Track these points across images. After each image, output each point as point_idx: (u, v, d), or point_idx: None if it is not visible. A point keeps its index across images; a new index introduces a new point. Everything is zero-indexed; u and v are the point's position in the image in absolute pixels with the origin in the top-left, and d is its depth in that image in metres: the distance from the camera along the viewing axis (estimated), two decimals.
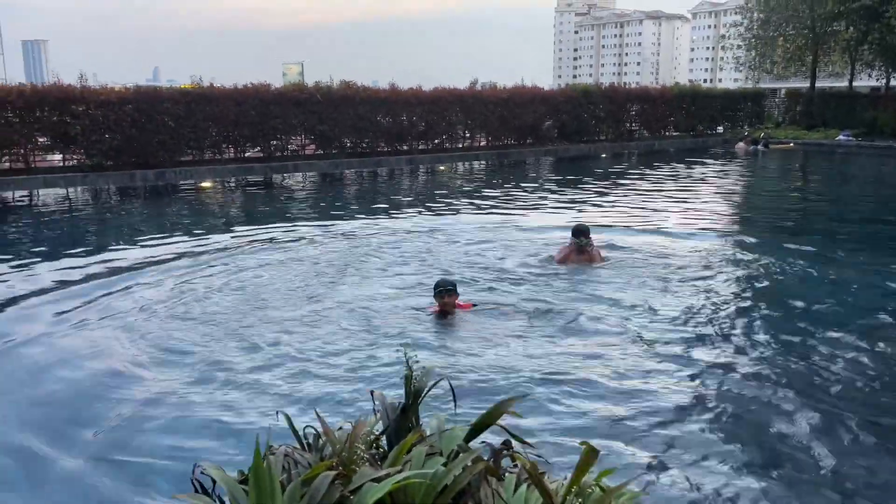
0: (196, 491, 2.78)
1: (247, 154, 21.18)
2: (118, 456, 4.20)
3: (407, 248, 10.02)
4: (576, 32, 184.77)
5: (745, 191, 18.41)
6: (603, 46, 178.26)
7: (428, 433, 3.03)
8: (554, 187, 17.64)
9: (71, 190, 17.19)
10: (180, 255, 9.60)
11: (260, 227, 11.87)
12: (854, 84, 34.76)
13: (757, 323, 6.65)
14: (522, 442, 3.14)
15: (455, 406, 3.25)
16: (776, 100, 36.85)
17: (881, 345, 5.85)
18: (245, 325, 6.59)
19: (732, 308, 7.10)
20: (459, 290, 6.88)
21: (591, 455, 2.63)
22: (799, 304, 7.16)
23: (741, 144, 29.26)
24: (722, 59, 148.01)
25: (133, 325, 6.58)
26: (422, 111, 23.61)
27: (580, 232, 8.47)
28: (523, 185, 18.34)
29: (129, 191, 17.38)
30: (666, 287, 7.77)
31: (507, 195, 15.96)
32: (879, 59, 32.15)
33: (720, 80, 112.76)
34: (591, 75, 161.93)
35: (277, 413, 3.40)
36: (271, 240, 10.65)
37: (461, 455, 2.83)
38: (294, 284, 8.06)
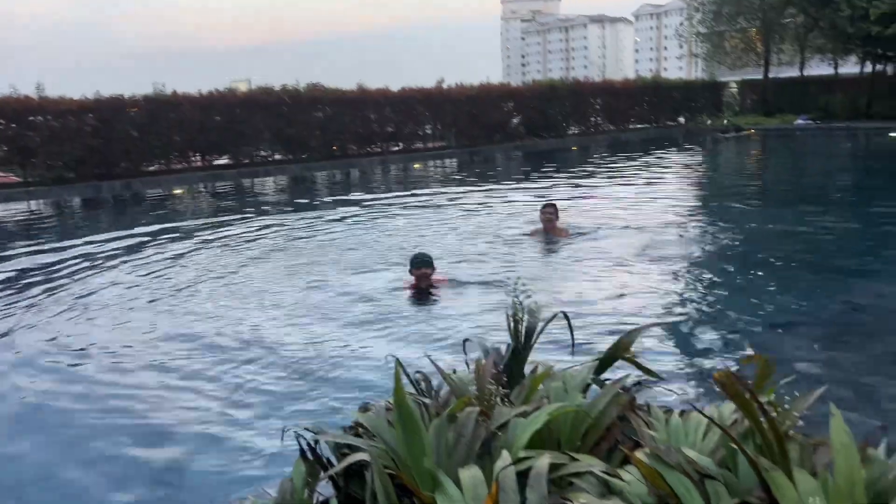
0: (303, 453, 2.43)
1: (215, 161, 20.56)
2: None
3: (380, 236, 9.88)
4: (522, 38, 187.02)
5: (725, 173, 18.69)
6: (550, 51, 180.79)
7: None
8: (523, 180, 17.58)
9: (33, 203, 16.36)
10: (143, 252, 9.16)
11: (231, 227, 11.42)
12: (805, 72, 35.70)
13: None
14: (653, 375, 2.88)
15: (573, 344, 2.95)
16: (732, 90, 37.62)
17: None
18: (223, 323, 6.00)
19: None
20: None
21: (767, 367, 2.38)
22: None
23: (719, 134, 29.85)
24: (665, 58, 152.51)
25: (117, 322, 6.10)
26: (391, 111, 23.31)
27: (548, 206, 8.97)
28: (494, 178, 18.20)
29: (95, 202, 16.64)
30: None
31: (478, 188, 15.82)
32: (830, 45, 33.03)
33: (664, 78, 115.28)
34: (539, 80, 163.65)
35: (386, 357, 3.06)
36: (244, 238, 10.25)
37: (606, 387, 2.55)
38: (269, 279, 7.60)
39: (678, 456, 1.99)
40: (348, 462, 1.99)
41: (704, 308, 5.62)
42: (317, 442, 2.41)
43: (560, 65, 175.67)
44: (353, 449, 2.24)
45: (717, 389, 2.05)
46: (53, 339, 5.69)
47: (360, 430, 2.44)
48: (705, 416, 2.20)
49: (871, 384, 3.81)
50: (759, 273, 6.82)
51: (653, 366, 2.88)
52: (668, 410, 2.51)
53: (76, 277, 8.03)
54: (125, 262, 8.83)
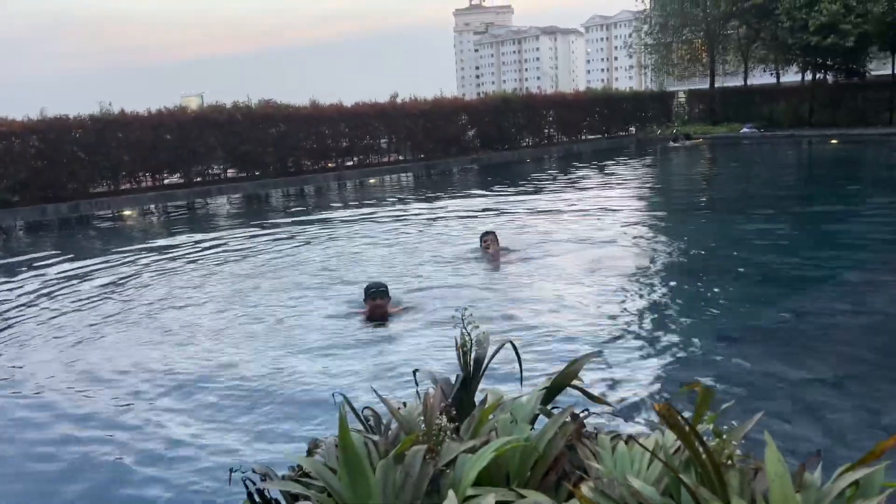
0: (250, 495, 2.42)
1: (166, 181, 20.18)
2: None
3: (333, 256, 9.81)
4: (476, 50, 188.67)
5: (674, 183, 19.07)
6: (503, 63, 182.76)
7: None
8: (478, 192, 17.68)
9: None
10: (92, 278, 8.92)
11: (179, 248, 11.23)
12: (749, 82, 36.77)
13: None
14: (600, 401, 2.91)
15: (521, 374, 2.97)
16: (681, 99, 38.52)
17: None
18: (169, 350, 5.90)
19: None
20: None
21: (707, 395, 2.43)
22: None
23: (670, 143, 30.49)
24: (616, 68, 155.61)
25: (71, 347, 5.92)
26: (345, 126, 23.23)
27: (488, 234, 9.17)
28: (449, 192, 18.27)
29: (41, 226, 16.17)
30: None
31: (433, 203, 15.85)
32: (772, 55, 34.08)
33: (615, 89, 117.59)
34: (493, 91, 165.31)
35: (333, 394, 3.03)
36: (195, 259, 10.10)
37: (553, 417, 2.57)
38: (216, 302, 7.52)
39: (621, 489, 2.02)
40: None
41: (651, 326, 5.70)
42: (264, 479, 2.40)
43: (514, 76, 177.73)
44: (304, 495, 2.23)
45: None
46: None
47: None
48: (646, 448, 2.24)
49: (813, 397, 3.92)
50: (706, 285, 6.97)
51: (599, 390, 2.92)
52: (616, 437, 2.55)
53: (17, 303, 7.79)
54: (62, 287, 8.61)
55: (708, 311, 5.94)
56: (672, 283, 7.34)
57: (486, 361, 2.91)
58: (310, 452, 2.70)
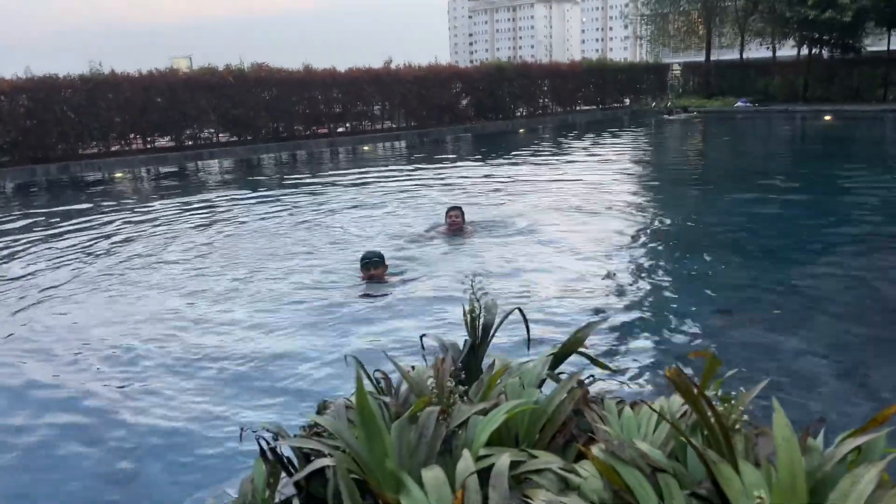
0: (263, 453, 2.46)
1: (157, 144, 19.99)
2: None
3: (329, 223, 9.78)
4: (470, 17, 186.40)
5: (669, 156, 19.11)
6: (497, 31, 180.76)
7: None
8: (472, 162, 17.64)
9: None
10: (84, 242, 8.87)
11: (172, 212, 11.18)
12: (745, 55, 36.61)
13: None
14: (606, 368, 2.97)
15: (528, 339, 3.02)
16: (675, 72, 38.34)
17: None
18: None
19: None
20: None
21: (714, 363, 2.48)
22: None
23: (665, 116, 30.34)
24: (611, 38, 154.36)
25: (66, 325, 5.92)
26: (338, 91, 23.02)
27: (454, 209, 8.91)
28: (444, 162, 18.21)
29: (30, 187, 16.01)
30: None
31: (423, 171, 15.79)
32: (769, 28, 33.89)
33: (610, 60, 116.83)
34: (487, 59, 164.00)
35: (346, 357, 3.07)
36: (186, 225, 10.05)
37: (561, 382, 2.63)
38: (214, 269, 7.46)
39: (630, 451, 2.07)
40: (313, 468, 2.01)
41: (646, 298, 5.76)
42: (276, 438, 2.44)
43: (507, 44, 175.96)
44: (315, 452, 2.27)
45: (667, 382, 2.14)
46: None
47: (321, 430, 2.46)
48: (652, 408, 2.29)
49: (808, 368, 4.01)
50: (700, 257, 7.05)
51: (604, 358, 2.97)
52: (621, 402, 2.61)
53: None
54: (52, 249, 8.57)
55: (703, 283, 6.02)
56: (667, 255, 7.41)
57: (493, 328, 2.96)
58: (319, 413, 2.73)
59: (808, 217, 9.18)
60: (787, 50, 35.69)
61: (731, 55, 37.81)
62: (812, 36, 30.27)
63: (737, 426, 2.13)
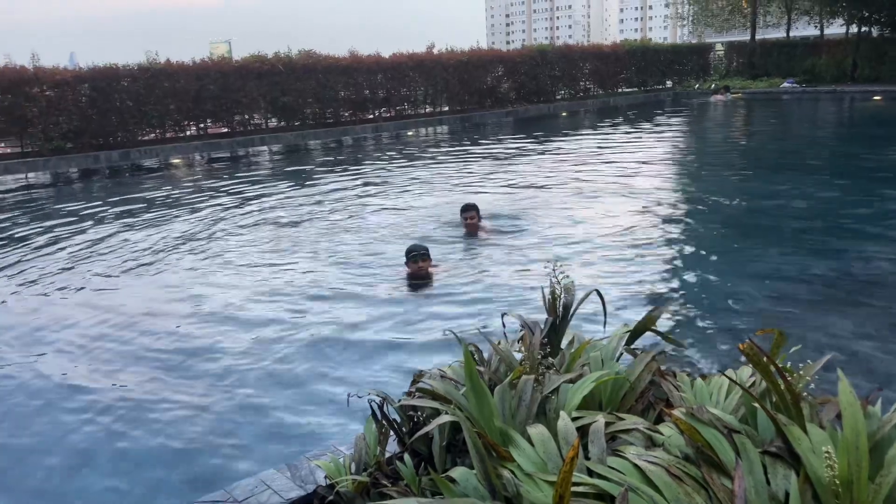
0: (374, 413, 2.82)
1: (210, 130, 20.65)
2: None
3: (378, 211, 9.99)
4: None
5: (714, 138, 19.03)
6: (535, 10, 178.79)
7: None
8: (522, 146, 17.79)
9: (31, 175, 16.44)
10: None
11: (236, 197, 11.68)
12: (791, 34, 35.85)
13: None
14: (677, 344, 3.26)
15: (605, 318, 3.32)
16: (718, 52, 37.75)
17: None
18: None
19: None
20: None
21: (781, 339, 2.76)
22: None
23: (717, 96, 29.95)
24: (651, 17, 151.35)
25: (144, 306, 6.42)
26: (382, 77, 23.37)
27: (469, 207, 8.39)
28: (484, 145, 18.40)
29: (94, 172, 16.73)
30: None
31: (470, 159, 16.00)
32: (816, 6, 33.14)
33: (650, 40, 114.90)
34: (524, 40, 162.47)
35: (444, 332, 3.43)
36: (251, 211, 10.49)
37: (640, 355, 2.93)
38: (276, 254, 7.84)
39: (708, 414, 2.39)
40: (438, 423, 2.35)
41: (701, 281, 5.99)
42: (383, 403, 2.81)
43: (545, 24, 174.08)
44: (427, 411, 2.63)
45: (729, 357, 2.45)
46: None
47: (427, 394, 2.82)
48: (729, 378, 2.59)
49: (864, 349, 4.24)
50: (752, 240, 7.22)
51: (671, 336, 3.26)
52: (692, 375, 2.91)
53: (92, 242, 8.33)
54: (129, 230, 9.07)
55: (755, 266, 6.22)
56: (718, 238, 7.59)
57: (573, 307, 3.28)
58: (414, 381, 3.08)
59: (860, 201, 9.22)
60: (835, 28, 34.84)
61: (776, 34, 37.05)
62: (861, 14, 29.55)
63: (804, 394, 2.42)
